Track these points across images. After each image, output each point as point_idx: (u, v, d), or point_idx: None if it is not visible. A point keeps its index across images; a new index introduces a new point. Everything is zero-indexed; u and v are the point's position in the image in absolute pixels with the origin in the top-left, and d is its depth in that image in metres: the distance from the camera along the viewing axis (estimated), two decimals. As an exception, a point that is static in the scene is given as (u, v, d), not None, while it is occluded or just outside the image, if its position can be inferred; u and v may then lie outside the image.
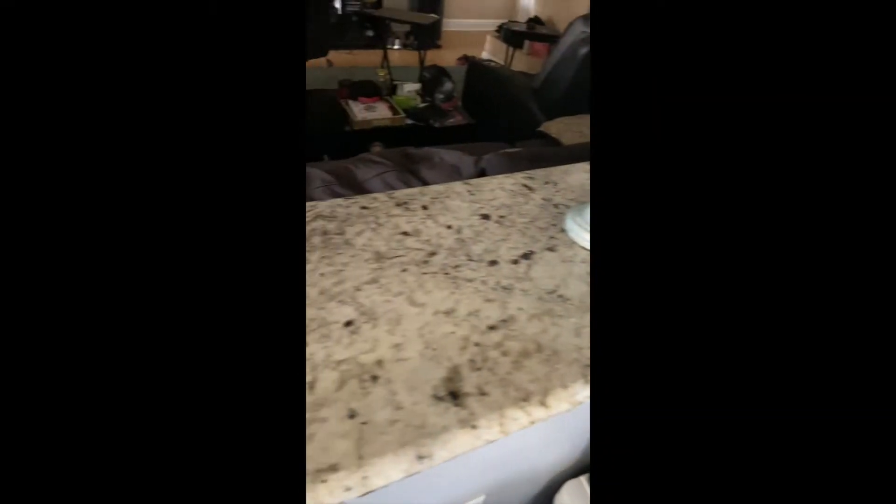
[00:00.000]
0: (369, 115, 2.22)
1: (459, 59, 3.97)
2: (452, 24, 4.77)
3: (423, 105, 2.38)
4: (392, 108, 2.28)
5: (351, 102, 2.27)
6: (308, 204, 0.55)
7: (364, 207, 0.56)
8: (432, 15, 3.52)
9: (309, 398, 0.35)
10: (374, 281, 0.46)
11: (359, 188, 0.99)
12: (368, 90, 2.35)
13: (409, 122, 2.25)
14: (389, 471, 0.32)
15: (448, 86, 2.38)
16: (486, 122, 2.34)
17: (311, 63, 2.82)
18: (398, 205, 0.57)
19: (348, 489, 0.31)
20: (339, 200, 0.57)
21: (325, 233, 0.51)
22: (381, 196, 0.58)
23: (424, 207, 0.57)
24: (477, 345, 0.40)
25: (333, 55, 3.25)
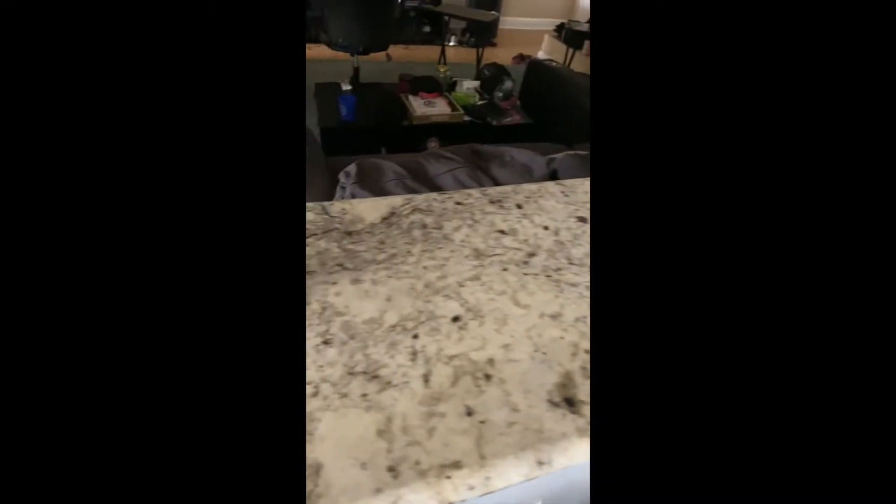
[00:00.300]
0: (428, 111, 2.22)
1: (515, 57, 3.92)
2: (508, 21, 4.72)
3: (481, 102, 2.36)
4: (451, 105, 2.27)
5: (411, 97, 2.29)
6: (405, 197, 0.56)
7: (459, 203, 0.56)
8: (493, 13, 3.49)
9: (425, 391, 0.35)
10: (476, 278, 0.45)
11: (430, 183, 0.99)
12: (428, 86, 2.35)
13: (466, 118, 2.24)
14: (510, 473, 0.31)
15: (508, 84, 2.35)
16: (544, 122, 2.30)
17: (370, 56, 2.86)
18: (492, 202, 0.57)
19: (471, 488, 0.31)
20: (434, 195, 0.57)
21: (423, 226, 0.51)
22: (474, 192, 0.58)
23: (519, 206, 0.56)
24: (588, 352, 0.39)
25: (390, 49, 3.28)
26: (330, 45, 2.52)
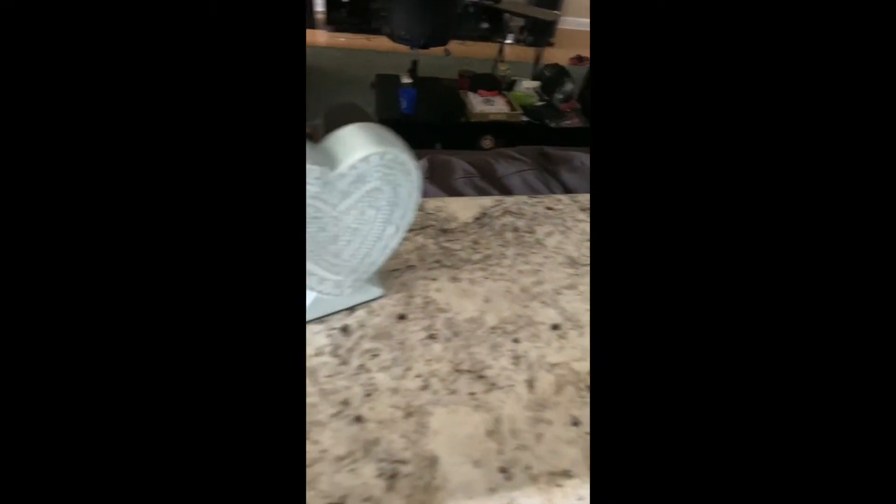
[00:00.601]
0: (486, 109, 2.21)
1: (573, 58, 3.85)
2: (568, 21, 4.62)
3: (539, 104, 2.33)
4: (509, 104, 2.26)
5: (470, 94, 2.29)
6: (495, 198, 0.56)
7: (549, 208, 0.56)
8: (555, 12, 3.44)
9: (530, 396, 0.35)
10: (572, 287, 0.45)
11: (498, 184, 0.99)
12: (488, 83, 2.35)
13: (524, 119, 2.22)
14: (618, 489, 0.31)
15: (569, 86, 2.31)
16: (603, 127, 2.25)
17: (428, 50, 2.88)
18: (583, 210, 0.56)
19: (580, 499, 0.31)
20: (524, 198, 0.57)
21: (515, 229, 0.51)
22: (563, 198, 0.58)
23: (609, 217, 0.56)
24: (691, 373, 0.38)
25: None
26: (391, 37, 2.55)
